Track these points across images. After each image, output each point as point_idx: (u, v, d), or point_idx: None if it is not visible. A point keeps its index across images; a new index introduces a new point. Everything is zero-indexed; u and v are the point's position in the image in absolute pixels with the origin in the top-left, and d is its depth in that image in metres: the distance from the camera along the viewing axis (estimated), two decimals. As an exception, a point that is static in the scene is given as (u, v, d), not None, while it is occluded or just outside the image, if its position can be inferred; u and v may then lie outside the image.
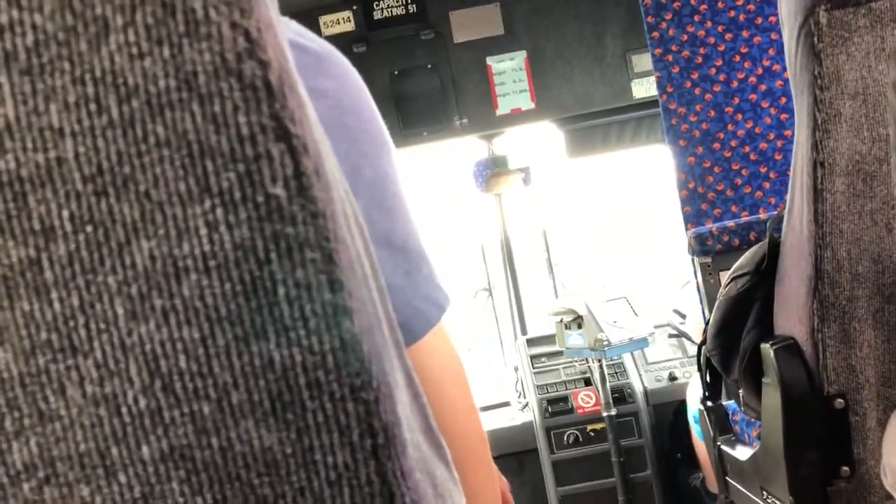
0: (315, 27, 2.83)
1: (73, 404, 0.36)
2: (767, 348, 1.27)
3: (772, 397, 1.29)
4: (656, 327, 2.73)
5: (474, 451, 0.63)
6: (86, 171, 0.34)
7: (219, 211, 0.34)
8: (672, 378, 2.80)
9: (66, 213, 0.34)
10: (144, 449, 0.36)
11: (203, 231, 0.35)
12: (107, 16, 0.33)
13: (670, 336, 2.89)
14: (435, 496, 0.42)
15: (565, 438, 2.67)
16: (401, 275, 0.57)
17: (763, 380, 1.32)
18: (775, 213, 1.56)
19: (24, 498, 0.36)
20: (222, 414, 0.36)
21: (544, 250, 3.37)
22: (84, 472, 0.36)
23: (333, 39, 2.90)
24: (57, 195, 0.34)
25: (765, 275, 1.35)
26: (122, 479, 0.37)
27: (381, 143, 0.58)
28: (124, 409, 0.36)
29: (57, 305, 0.35)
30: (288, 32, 0.54)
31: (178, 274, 0.35)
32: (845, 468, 1.23)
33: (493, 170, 3.02)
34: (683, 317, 2.59)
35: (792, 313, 1.27)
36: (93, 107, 0.34)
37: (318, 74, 0.54)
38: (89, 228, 0.34)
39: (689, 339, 2.65)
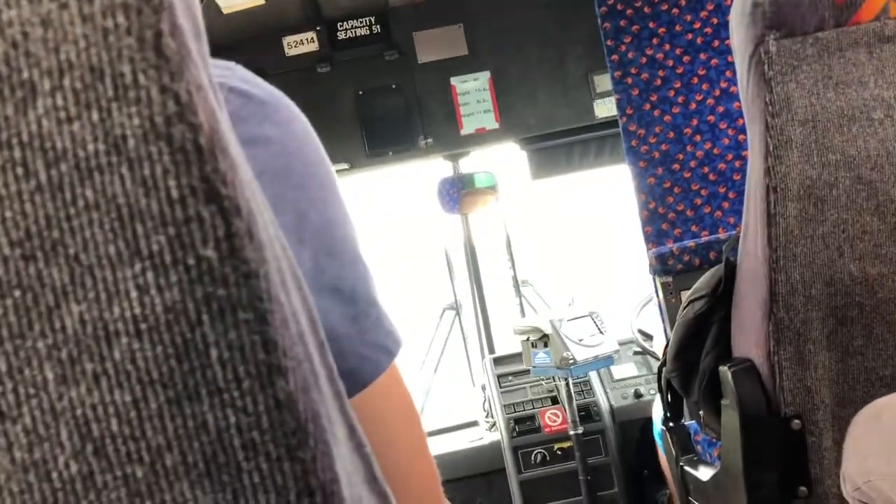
0: (279, 48, 2.82)
1: (1, 470, 0.35)
2: (725, 370, 1.29)
3: (730, 418, 1.30)
4: (621, 344, 2.75)
5: (427, 492, 0.63)
6: (13, 235, 0.34)
7: (149, 274, 0.34)
8: (638, 395, 2.82)
9: None
10: None
11: (134, 294, 0.34)
12: (34, 80, 0.33)
13: (635, 353, 2.92)
14: (378, 548, 0.42)
15: (533, 457, 2.67)
16: (348, 322, 0.57)
17: (722, 401, 1.33)
18: (734, 233, 1.59)
19: None
20: (156, 477, 0.36)
21: (510, 267, 3.38)
22: None
23: (297, 60, 2.89)
24: None
25: (722, 297, 1.37)
26: (54, 545, 0.36)
27: (328, 187, 0.58)
28: (55, 475, 0.35)
29: None
30: (233, 79, 0.54)
31: (108, 337, 0.35)
32: (803, 488, 1.25)
33: (459, 189, 3.04)
34: (649, 337, 2.61)
35: (748, 336, 1.29)
36: (20, 171, 0.33)
37: (264, 121, 0.54)
38: (17, 293, 0.34)
39: (654, 356, 2.67)
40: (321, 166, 0.58)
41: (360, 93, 2.85)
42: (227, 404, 0.36)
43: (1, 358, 0.34)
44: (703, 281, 1.40)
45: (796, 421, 1.23)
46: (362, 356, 0.57)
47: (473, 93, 2.86)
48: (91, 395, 0.35)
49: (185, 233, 0.34)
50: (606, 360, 2.54)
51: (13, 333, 0.34)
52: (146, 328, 0.35)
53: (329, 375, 0.42)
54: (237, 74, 0.55)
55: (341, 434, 0.41)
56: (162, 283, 0.34)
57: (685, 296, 1.76)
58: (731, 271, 1.34)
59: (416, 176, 3.37)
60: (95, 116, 0.33)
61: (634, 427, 2.78)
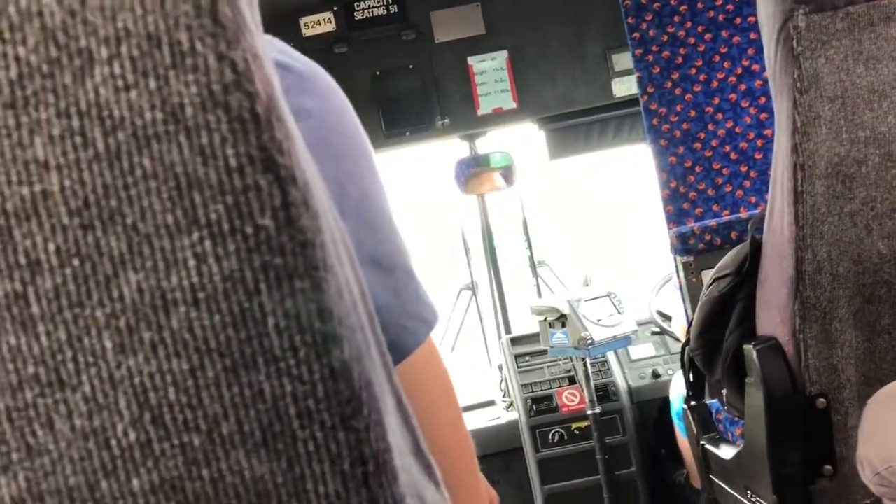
0: (296, 28, 2.81)
1: (61, 438, 0.36)
2: (750, 349, 1.28)
3: (754, 397, 1.30)
4: (639, 325, 2.75)
5: (462, 465, 0.63)
6: (72, 204, 0.34)
7: (207, 243, 0.34)
8: (655, 375, 2.82)
9: (52, 247, 0.34)
10: (135, 482, 0.36)
11: (191, 263, 0.34)
12: (91, 48, 0.33)
13: (653, 333, 2.91)
14: (426, 519, 0.43)
15: (550, 437, 2.68)
16: (389, 294, 0.57)
17: (746, 380, 1.33)
18: (756, 212, 1.57)
19: None
20: (213, 445, 0.36)
21: (527, 248, 3.38)
22: None
23: (314, 40, 2.88)
24: (43, 229, 0.34)
25: (747, 276, 1.36)
26: (113, 512, 0.36)
27: (366, 160, 0.58)
28: (113, 443, 0.36)
29: (44, 339, 0.35)
30: (272, 52, 0.53)
31: (166, 306, 0.35)
32: (828, 467, 1.25)
33: (474, 169, 3.03)
34: (668, 318, 2.60)
35: (774, 314, 1.28)
36: (78, 139, 0.33)
37: (303, 94, 0.54)
38: (76, 262, 0.34)
39: (672, 336, 2.67)
40: (358, 139, 0.58)
41: (377, 73, 2.84)
42: (283, 373, 0.36)
43: (60, 327, 0.35)
44: (728, 259, 1.40)
45: (821, 399, 1.23)
46: (402, 327, 0.58)
47: (491, 72, 2.84)
48: (149, 364, 0.35)
49: (242, 202, 0.34)
50: (624, 341, 2.54)
51: (72, 302, 0.35)
52: (204, 297, 0.35)
53: (378, 346, 0.42)
54: (275, 46, 0.54)
55: (390, 404, 0.42)
56: (220, 251, 0.34)
57: (706, 275, 1.75)
58: (756, 249, 1.34)
59: (434, 157, 3.36)
60: (153, 84, 0.33)
61: (652, 407, 2.78)
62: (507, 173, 3.07)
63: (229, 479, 0.36)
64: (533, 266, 3.29)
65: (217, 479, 0.36)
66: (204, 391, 0.36)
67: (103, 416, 0.35)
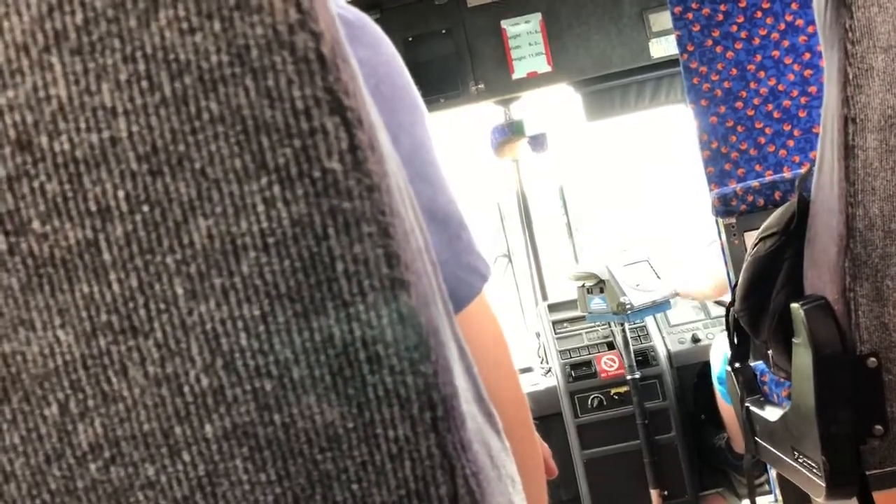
0: (327, -5, 2.80)
1: (135, 385, 0.36)
2: (798, 308, 1.26)
3: (802, 357, 1.28)
4: (678, 289, 2.71)
5: (517, 417, 0.63)
6: (140, 150, 0.34)
7: (276, 187, 0.34)
8: (695, 340, 2.80)
9: (121, 194, 0.34)
10: (207, 427, 0.36)
11: (260, 208, 0.34)
12: None
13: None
14: (492, 467, 0.43)
15: (589, 402, 2.68)
16: (444, 245, 0.57)
17: (793, 340, 1.31)
18: (801, 171, 1.54)
19: (91, 478, 0.37)
20: (284, 390, 0.36)
21: (563, 214, 3.36)
22: (149, 452, 0.37)
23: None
24: (112, 175, 0.34)
25: (794, 234, 1.33)
26: (186, 457, 0.37)
27: (416, 110, 0.58)
28: (186, 389, 0.36)
29: (116, 287, 0.35)
30: None
31: (236, 252, 0.35)
32: (878, 427, 1.23)
33: (508, 135, 3.01)
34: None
35: (823, 272, 1.26)
36: (145, 84, 0.33)
37: (354, 43, 0.53)
38: (146, 208, 0.34)
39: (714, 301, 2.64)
40: (408, 89, 0.57)
41: (410, 39, 2.82)
42: (352, 318, 0.36)
43: (132, 273, 0.35)
44: (775, 218, 1.37)
45: (872, 359, 1.21)
46: (458, 278, 0.57)
47: (525, 35, 2.80)
48: (220, 310, 0.35)
49: (310, 145, 0.34)
50: (664, 305, 2.52)
51: (143, 249, 0.35)
52: (273, 242, 0.35)
53: (441, 294, 0.42)
54: None
55: (455, 352, 0.41)
56: (288, 196, 0.34)
57: (749, 237, 1.72)
58: (803, 207, 1.31)
59: (471, 123, 3.34)
60: (217, 26, 0.33)
61: (692, 371, 2.76)
62: (541, 139, 3.04)
63: (300, 424, 0.37)
64: (570, 232, 3.27)
65: (288, 425, 0.37)
66: (275, 336, 0.36)
67: (176, 362, 0.36)
